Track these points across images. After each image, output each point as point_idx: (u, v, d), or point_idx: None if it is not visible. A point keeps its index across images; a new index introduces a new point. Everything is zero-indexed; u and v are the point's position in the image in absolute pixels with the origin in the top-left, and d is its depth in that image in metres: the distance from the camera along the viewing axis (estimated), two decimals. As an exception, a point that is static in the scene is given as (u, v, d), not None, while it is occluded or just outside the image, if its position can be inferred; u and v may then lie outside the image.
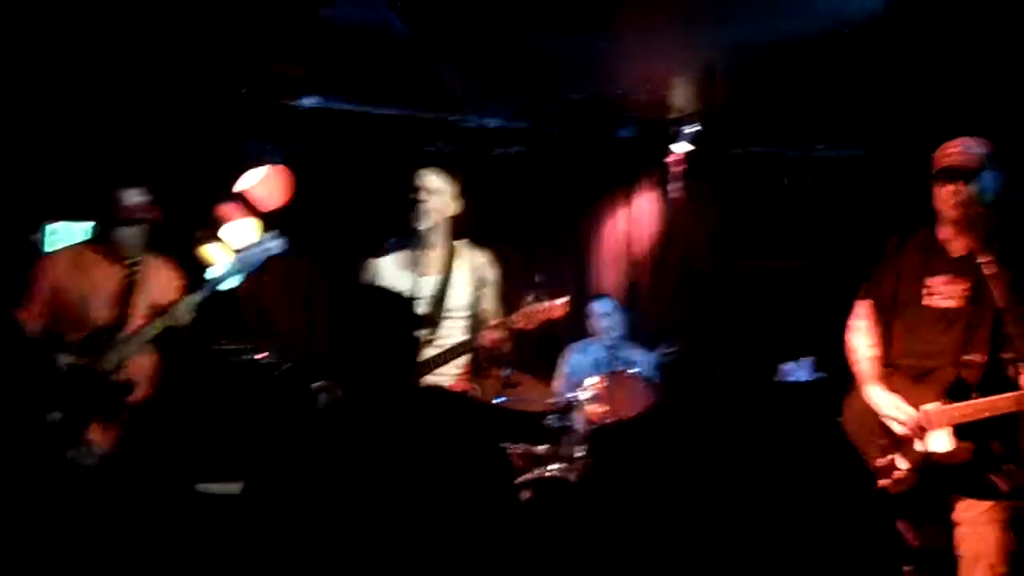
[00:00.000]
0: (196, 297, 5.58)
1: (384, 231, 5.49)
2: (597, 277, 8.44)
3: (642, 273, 8.38)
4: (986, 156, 4.45)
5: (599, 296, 7.81)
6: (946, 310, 4.46)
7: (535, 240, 8.47)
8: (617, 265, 8.44)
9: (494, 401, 6.16)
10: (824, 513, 5.50)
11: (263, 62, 6.09)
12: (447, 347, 5.21)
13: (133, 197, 5.50)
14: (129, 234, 5.54)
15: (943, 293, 4.47)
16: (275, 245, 5.78)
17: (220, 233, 7.05)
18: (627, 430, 6.11)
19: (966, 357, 4.37)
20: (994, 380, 4.29)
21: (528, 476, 5.80)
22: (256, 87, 6.82)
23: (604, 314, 7.46)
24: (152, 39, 5.86)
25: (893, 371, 4.60)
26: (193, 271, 6.10)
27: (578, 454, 6.26)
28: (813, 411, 6.44)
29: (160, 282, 5.69)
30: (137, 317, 5.53)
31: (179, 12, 5.40)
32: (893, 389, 4.56)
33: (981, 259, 4.20)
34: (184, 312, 5.54)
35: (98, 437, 5.42)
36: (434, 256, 5.29)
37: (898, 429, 4.47)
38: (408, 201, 5.24)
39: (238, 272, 5.73)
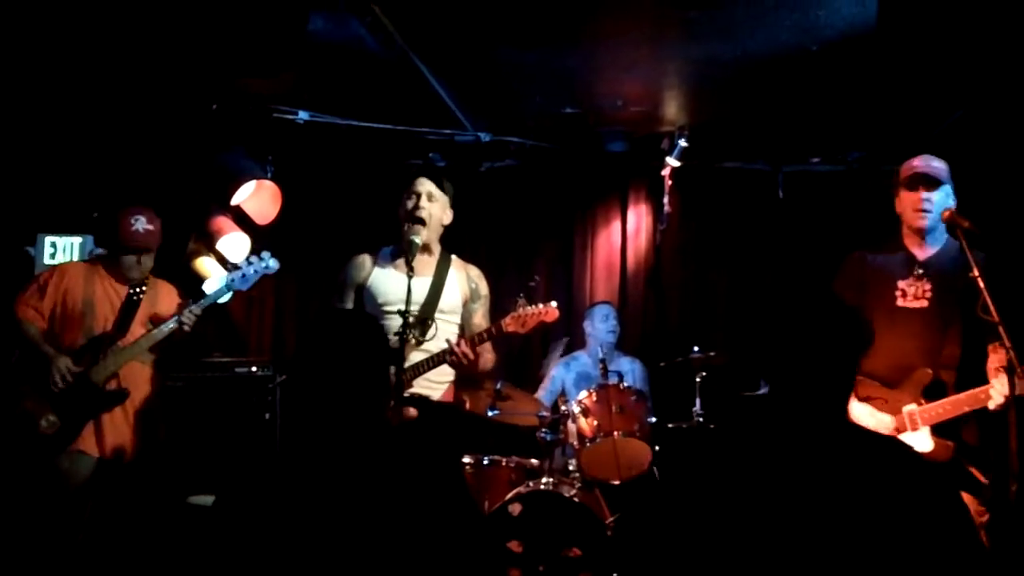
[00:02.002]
0: (192, 310, 5.62)
1: (376, 245, 5.51)
2: (588, 290, 8.44)
3: (633, 285, 8.38)
4: (946, 170, 4.74)
5: (597, 303, 7.82)
6: (916, 310, 4.68)
7: (526, 254, 8.48)
8: (608, 277, 8.44)
9: (487, 414, 6.16)
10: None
11: (251, 76, 6.10)
12: (434, 353, 5.18)
13: (138, 224, 5.56)
14: (134, 260, 5.59)
15: (912, 295, 4.69)
16: (271, 264, 5.82)
17: (212, 247, 7.06)
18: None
19: (941, 357, 4.60)
20: (970, 379, 4.50)
21: (519, 490, 5.80)
22: (246, 101, 6.83)
23: (604, 317, 7.47)
24: (139, 52, 5.87)
25: (868, 379, 4.73)
26: (191, 290, 6.13)
27: (570, 467, 6.28)
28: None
29: (163, 303, 5.73)
30: (136, 330, 5.57)
31: (163, 24, 5.42)
32: (871, 396, 4.70)
33: (972, 273, 4.34)
34: (179, 324, 5.58)
35: (90, 446, 5.45)
36: (427, 259, 5.29)
37: None
38: (404, 207, 5.25)
39: (233, 289, 5.76)
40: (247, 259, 5.82)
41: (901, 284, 4.74)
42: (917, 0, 5.11)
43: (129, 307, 5.59)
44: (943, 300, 4.61)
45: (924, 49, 5.62)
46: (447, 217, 5.36)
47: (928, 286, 4.67)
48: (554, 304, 5.20)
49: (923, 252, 4.77)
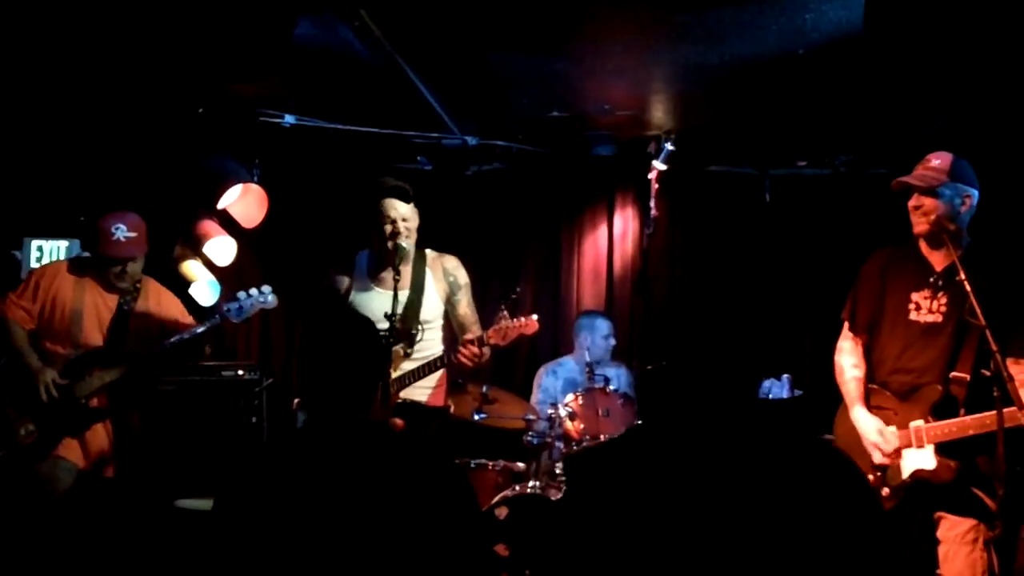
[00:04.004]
0: (184, 336, 5.58)
1: (360, 249, 5.52)
2: (575, 294, 8.45)
3: (620, 288, 8.39)
4: (947, 170, 4.49)
5: (596, 313, 7.78)
6: (931, 324, 4.49)
7: (512, 258, 8.49)
8: (595, 281, 8.45)
9: (474, 417, 6.16)
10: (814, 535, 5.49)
11: (238, 81, 6.09)
12: (425, 361, 5.24)
13: (118, 232, 5.46)
14: (119, 269, 5.53)
15: (927, 308, 4.50)
16: (269, 299, 5.73)
17: (199, 250, 7.04)
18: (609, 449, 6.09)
19: (953, 373, 4.39)
20: (983, 396, 4.22)
21: (506, 493, 5.79)
22: (233, 105, 6.82)
23: (604, 336, 7.43)
24: (126, 57, 5.85)
25: (881, 389, 4.63)
26: (179, 294, 6.11)
27: (557, 471, 6.28)
28: (793, 429, 6.46)
29: (156, 310, 5.68)
30: (127, 345, 5.52)
31: (150, 28, 5.40)
32: (882, 406, 4.58)
33: (959, 276, 4.18)
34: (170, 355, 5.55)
35: (72, 454, 5.41)
36: (405, 269, 5.30)
37: (877, 458, 4.47)
38: (383, 233, 5.25)
39: (228, 319, 5.67)
40: (247, 291, 5.72)
41: (915, 296, 4.54)
42: (904, 4, 5.09)
43: (120, 320, 5.56)
44: (960, 313, 4.32)
45: (911, 53, 5.61)
46: (418, 219, 5.40)
47: (944, 299, 4.45)
48: (535, 317, 5.24)
49: (941, 260, 4.54)
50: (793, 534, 2.27)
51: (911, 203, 4.52)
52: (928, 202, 4.46)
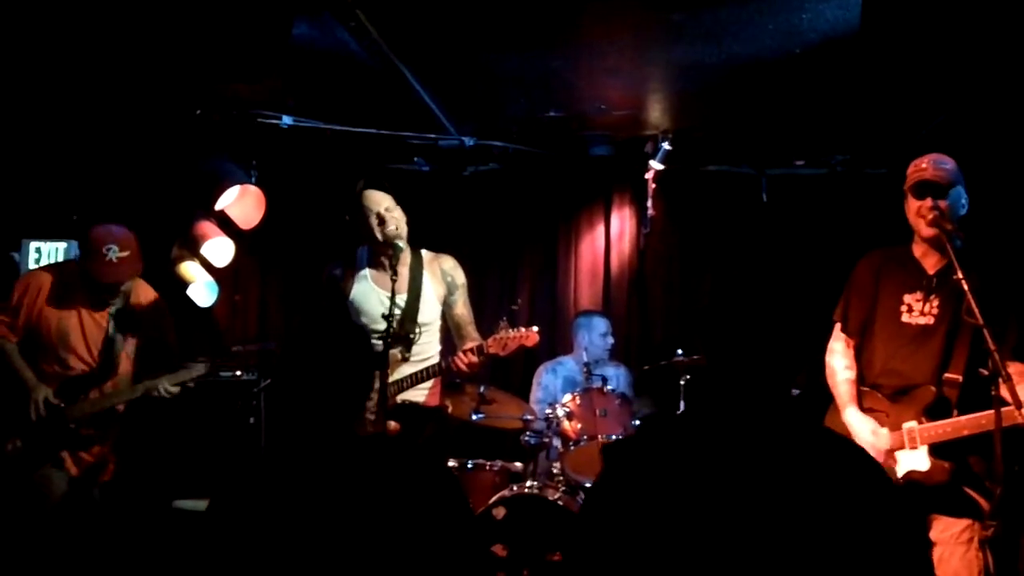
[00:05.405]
0: (181, 377, 5.50)
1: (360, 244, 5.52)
2: (572, 294, 8.45)
3: (617, 289, 8.40)
4: (956, 171, 4.49)
5: (593, 312, 7.79)
6: (923, 327, 4.47)
7: (509, 258, 8.50)
8: (592, 281, 8.46)
9: (471, 417, 6.16)
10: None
11: (236, 82, 6.09)
12: (422, 363, 5.24)
13: (111, 253, 5.31)
14: (113, 288, 5.46)
15: (919, 310, 4.49)
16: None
17: (197, 252, 7.05)
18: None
19: (946, 375, 4.37)
20: (975, 397, 4.23)
21: (504, 493, 5.80)
22: (230, 106, 6.82)
23: (602, 335, 7.46)
24: (124, 58, 5.85)
25: (873, 390, 4.61)
26: (176, 295, 6.09)
27: (555, 471, 6.28)
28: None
29: (144, 318, 5.63)
30: (120, 364, 5.48)
31: (148, 29, 5.40)
32: (873, 408, 4.57)
33: (956, 275, 4.14)
34: (166, 386, 5.50)
35: (63, 463, 5.36)
36: (403, 270, 5.29)
37: (874, 455, 4.46)
38: (372, 230, 5.25)
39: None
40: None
41: (907, 299, 4.53)
42: (901, 3, 5.09)
43: (110, 338, 5.48)
44: (952, 315, 4.36)
45: (907, 52, 5.62)
46: (403, 213, 5.37)
47: (936, 301, 4.45)
48: (535, 329, 5.22)
49: (934, 263, 4.53)
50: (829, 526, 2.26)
51: (927, 204, 4.45)
52: (943, 203, 4.44)
